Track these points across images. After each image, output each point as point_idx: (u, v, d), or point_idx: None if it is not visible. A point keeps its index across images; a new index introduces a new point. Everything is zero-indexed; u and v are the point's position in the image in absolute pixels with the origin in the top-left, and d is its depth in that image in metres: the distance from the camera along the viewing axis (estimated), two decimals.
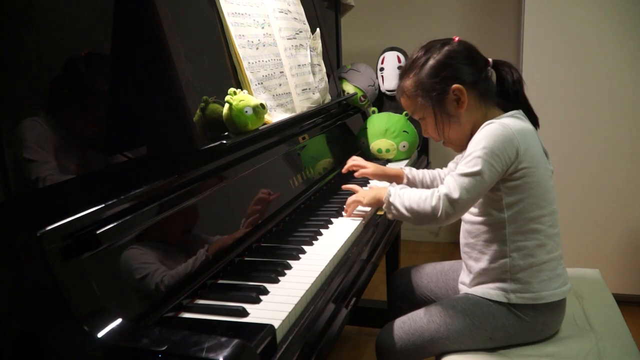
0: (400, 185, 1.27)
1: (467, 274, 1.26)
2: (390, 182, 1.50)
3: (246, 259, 1.11)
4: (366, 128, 1.94)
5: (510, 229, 1.17)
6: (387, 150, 1.90)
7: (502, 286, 1.19)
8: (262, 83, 1.37)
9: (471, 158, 1.13)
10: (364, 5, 2.80)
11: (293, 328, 0.86)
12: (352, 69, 2.09)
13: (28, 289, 0.75)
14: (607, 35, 2.14)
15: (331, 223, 1.31)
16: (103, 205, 0.83)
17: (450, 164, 1.45)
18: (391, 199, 1.23)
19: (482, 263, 1.21)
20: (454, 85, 1.19)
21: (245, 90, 1.22)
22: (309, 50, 1.65)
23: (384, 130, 1.90)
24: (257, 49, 1.38)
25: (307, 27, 1.69)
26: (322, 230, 1.25)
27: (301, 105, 1.55)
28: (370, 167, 1.52)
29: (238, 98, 1.15)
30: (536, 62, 2.22)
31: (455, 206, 1.13)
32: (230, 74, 1.30)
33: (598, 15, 2.14)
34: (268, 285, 0.97)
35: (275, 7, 1.53)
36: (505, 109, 1.23)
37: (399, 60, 2.09)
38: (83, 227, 0.79)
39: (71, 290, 0.73)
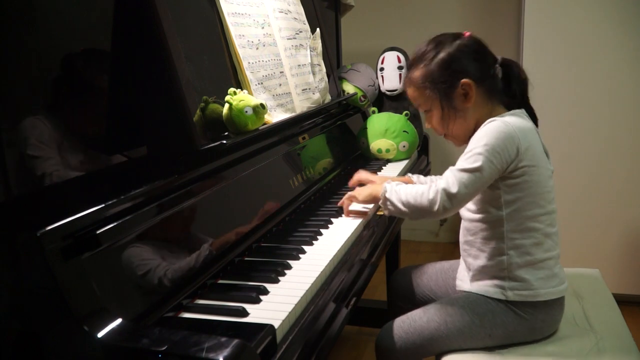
0: (396, 182, 1.28)
1: (466, 271, 1.27)
2: None
3: (246, 259, 1.11)
4: (366, 128, 1.94)
5: (508, 227, 1.17)
6: (387, 150, 1.90)
7: (499, 283, 1.19)
8: (262, 83, 1.37)
9: (472, 154, 1.14)
10: (364, 5, 2.80)
11: (293, 328, 0.86)
12: (352, 69, 2.09)
13: (28, 289, 0.75)
14: (607, 35, 2.14)
15: (331, 223, 1.31)
16: (103, 205, 0.83)
17: None
18: (387, 195, 1.24)
19: (481, 260, 1.22)
20: (463, 80, 1.19)
21: (245, 90, 1.22)
22: (309, 50, 1.65)
23: (384, 130, 1.90)
24: (257, 49, 1.38)
25: (307, 27, 1.69)
26: (322, 230, 1.25)
27: (301, 105, 1.55)
28: (377, 179, 1.51)
29: (238, 98, 1.15)
30: (536, 62, 2.22)
31: (453, 200, 1.14)
32: (230, 74, 1.30)
33: (598, 15, 2.14)
34: (268, 285, 0.97)
35: (275, 7, 1.53)
36: (509, 107, 1.24)
37: (399, 60, 2.09)
38: (83, 227, 0.79)
39: (71, 290, 0.73)
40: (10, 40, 0.80)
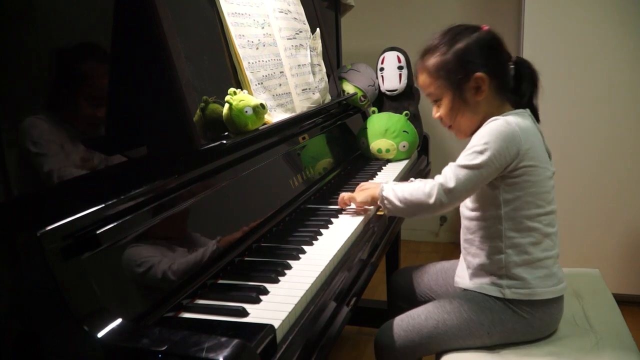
0: (394, 182, 1.29)
1: (465, 269, 1.27)
2: None
3: (246, 259, 1.11)
4: (366, 128, 1.94)
5: (507, 226, 1.18)
6: (387, 150, 1.90)
7: (497, 282, 1.20)
8: (262, 83, 1.37)
9: (471, 152, 1.14)
10: (364, 5, 2.80)
11: (293, 328, 0.86)
12: (352, 69, 2.09)
13: (28, 289, 0.75)
14: (607, 35, 2.14)
15: (331, 223, 1.31)
16: (103, 205, 0.83)
17: None
18: (384, 193, 1.26)
19: (479, 258, 1.22)
20: (477, 73, 1.18)
21: (245, 90, 1.22)
22: (309, 50, 1.65)
23: (384, 130, 1.90)
24: (257, 49, 1.38)
25: (307, 27, 1.69)
26: (322, 230, 1.25)
27: (301, 105, 1.55)
28: (357, 195, 1.45)
29: (238, 98, 1.15)
30: (536, 62, 2.19)
31: (449, 196, 1.15)
32: (230, 74, 1.30)
33: (598, 15, 2.14)
34: (268, 285, 0.96)
35: (275, 7, 1.53)
36: (516, 107, 1.24)
37: (399, 60, 2.09)
38: (83, 227, 0.79)
39: (71, 290, 0.73)
40: (10, 40, 0.80)
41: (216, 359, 0.66)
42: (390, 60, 2.10)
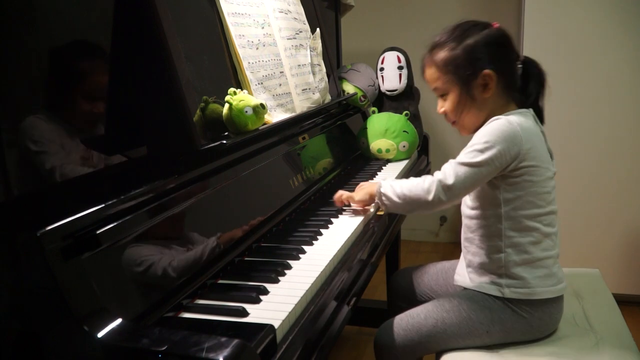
0: (392, 179, 1.29)
1: (465, 268, 1.27)
2: None
3: (246, 259, 1.11)
4: (366, 128, 1.94)
5: (506, 225, 1.18)
6: (387, 150, 1.90)
7: (497, 281, 1.20)
8: (262, 83, 1.37)
9: (472, 150, 1.14)
10: (364, 5, 2.80)
11: (293, 328, 0.86)
12: (352, 69, 2.09)
13: (28, 289, 0.75)
14: (607, 35, 2.14)
15: (331, 223, 1.31)
16: (103, 205, 0.83)
17: None
18: (382, 190, 1.26)
19: (479, 257, 1.22)
20: (486, 71, 1.18)
21: (245, 90, 1.22)
22: (309, 50, 1.65)
23: (384, 130, 1.90)
24: (257, 49, 1.38)
25: (307, 27, 1.69)
26: (322, 230, 1.25)
27: (301, 105, 1.55)
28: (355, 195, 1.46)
29: (238, 98, 1.15)
30: None
31: (448, 193, 1.15)
32: (230, 74, 1.30)
33: (598, 15, 2.14)
34: (268, 285, 0.96)
35: (275, 7, 1.53)
36: (522, 106, 1.24)
37: (399, 60, 2.09)
38: (83, 227, 0.79)
39: (71, 290, 0.73)
40: (10, 40, 0.80)
41: (216, 359, 0.66)
42: (390, 60, 2.10)
